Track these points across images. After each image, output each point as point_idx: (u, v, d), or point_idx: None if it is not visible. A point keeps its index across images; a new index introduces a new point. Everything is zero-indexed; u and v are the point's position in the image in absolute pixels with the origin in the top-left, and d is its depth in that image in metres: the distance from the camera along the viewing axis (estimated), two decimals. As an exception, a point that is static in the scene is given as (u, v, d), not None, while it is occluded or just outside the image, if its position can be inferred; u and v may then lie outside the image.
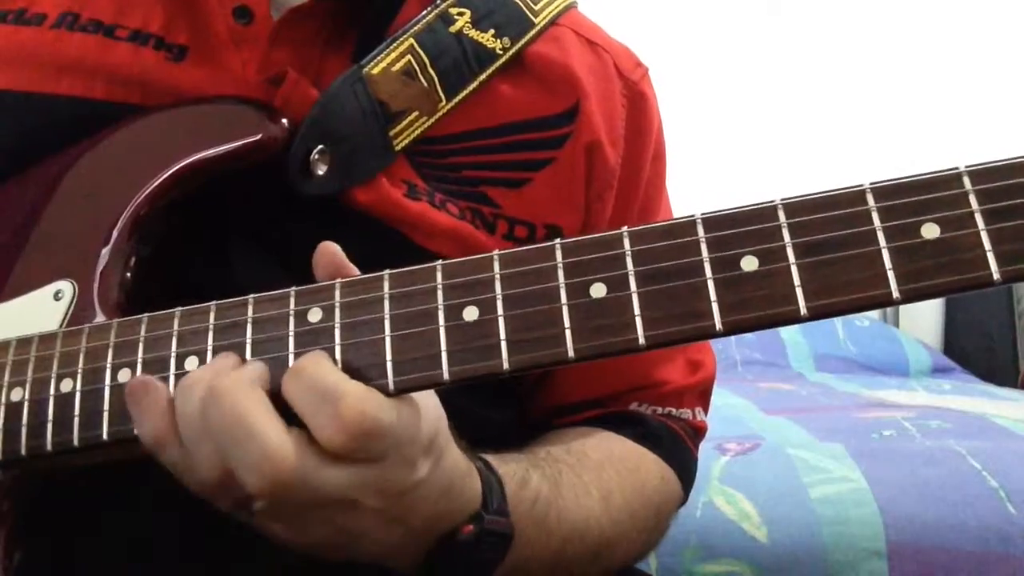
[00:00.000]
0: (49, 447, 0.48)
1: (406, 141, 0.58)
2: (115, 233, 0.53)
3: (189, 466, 0.43)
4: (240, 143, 0.54)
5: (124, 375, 0.47)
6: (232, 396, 0.41)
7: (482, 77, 0.61)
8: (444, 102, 0.60)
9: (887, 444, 1.42)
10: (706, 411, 0.72)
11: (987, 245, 0.37)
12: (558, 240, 0.42)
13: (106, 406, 0.47)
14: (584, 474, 0.59)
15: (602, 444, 0.64)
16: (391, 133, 0.58)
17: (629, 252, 0.41)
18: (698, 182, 2.21)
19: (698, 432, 0.71)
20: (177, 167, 0.54)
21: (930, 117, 2.77)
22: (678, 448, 0.69)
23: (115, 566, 0.55)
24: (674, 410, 0.69)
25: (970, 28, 2.90)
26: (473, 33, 0.61)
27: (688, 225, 0.40)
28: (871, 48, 2.99)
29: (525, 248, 0.43)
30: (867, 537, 1.15)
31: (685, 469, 0.70)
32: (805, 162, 2.74)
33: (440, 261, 0.44)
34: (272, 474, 0.40)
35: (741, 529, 1.18)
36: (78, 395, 0.47)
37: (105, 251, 0.53)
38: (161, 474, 0.50)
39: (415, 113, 0.59)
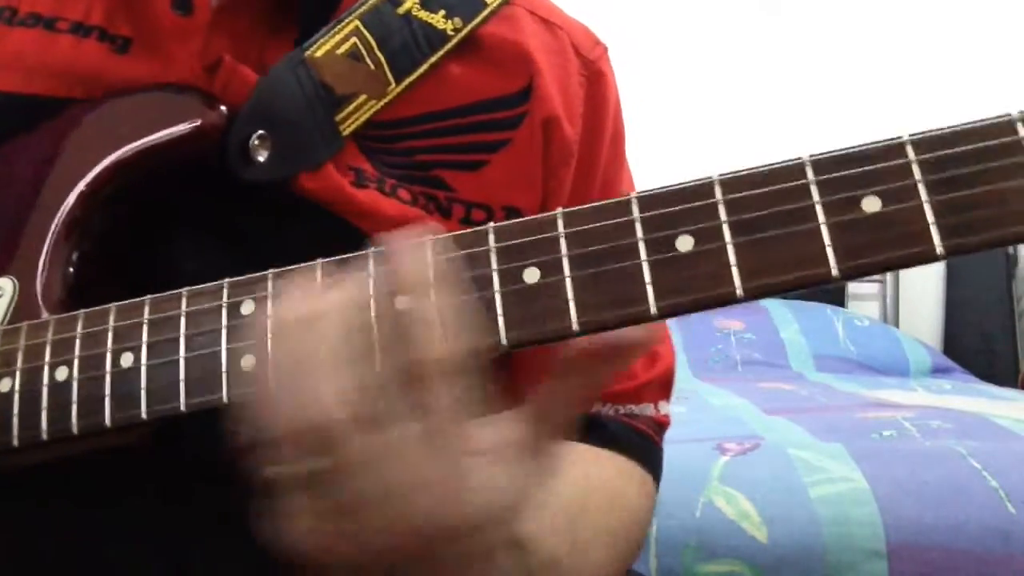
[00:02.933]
0: None
1: (354, 126, 0.57)
2: (54, 228, 0.52)
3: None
4: (176, 130, 0.53)
5: (62, 373, 0.46)
6: (319, 328, 0.38)
7: (433, 59, 0.59)
8: (394, 85, 0.58)
9: (887, 444, 1.42)
10: (668, 401, 0.69)
11: (930, 218, 0.35)
12: (491, 224, 0.41)
13: (44, 404, 0.46)
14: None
15: (576, 474, 0.59)
16: (337, 118, 0.56)
17: (563, 234, 0.39)
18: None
19: (662, 426, 0.69)
20: (113, 158, 0.53)
21: (930, 117, 2.77)
22: (647, 448, 0.66)
23: (69, 570, 0.54)
24: (634, 407, 0.66)
25: (968, 26, 2.90)
26: (422, 14, 0.60)
27: (623, 204, 0.39)
28: (869, 44, 3.00)
29: (458, 233, 0.41)
30: (867, 537, 1.15)
31: (657, 467, 0.68)
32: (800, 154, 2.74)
33: (372, 248, 0.42)
34: (312, 420, 0.36)
35: (741, 529, 1.18)
36: (17, 394, 0.47)
37: (45, 247, 0.52)
38: (116, 472, 0.49)
39: (363, 97, 0.57)
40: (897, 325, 2.93)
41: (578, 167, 0.64)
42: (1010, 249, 2.79)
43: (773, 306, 2.73)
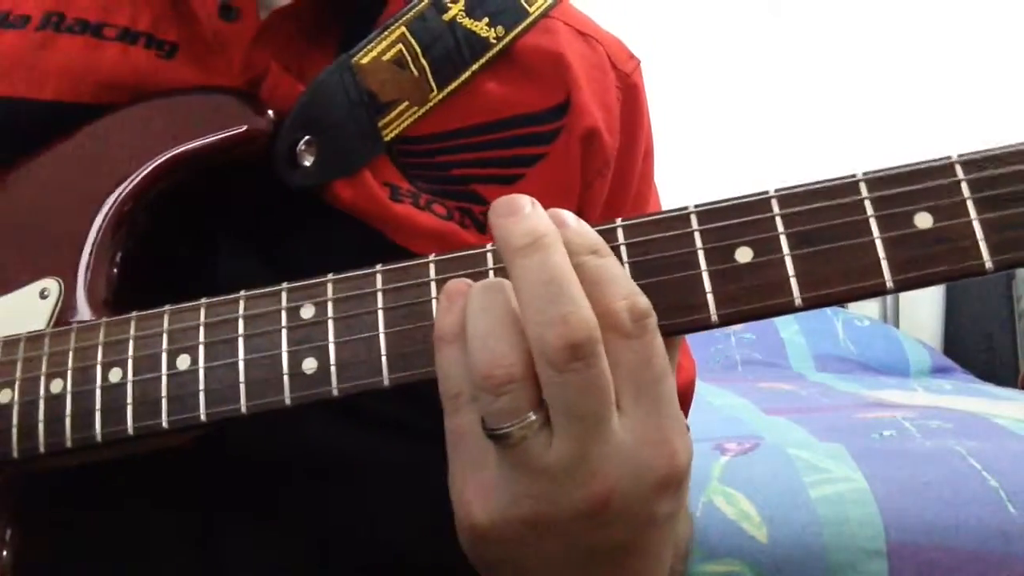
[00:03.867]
0: (42, 449, 0.47)
1: (395, 132, 0.57)
2: (100, 229, 0.53)
3: (464, 363, 0.39)
4: (225, 134, 0.53)
5: (115, 375, 0.46)
6: (557, 254, 0.38)
7: (474, 67, 0.60)
8: (435, 92, 0.59)
9: (887, 444, 1.42)
10: (686, 414, 0.69)
11: (979, 234, 0.37)
12: None
13: (98, 406, 0.46)
14: None
15: None
16: (380, 123, 0.57)
17: (623, 244, 0.41)
18: (700, 181, 2.22)
19: None
20: (161, 160, 0.53)
21: (931, 117, 2.77)
22: None
23: (108, 567, 0.54)
24: None
25: (971, 26, 2.90)
26: (467, 22, 0.60)
27: (682, 217, 0.41)
28: (872, 46, 2.99)
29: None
30: (867, 537, 1.15)
31: None
32: (807, 162, 2.75)
33: (434, 256, 0.43)
34: (578, 332, 0.36)
35: (741, 529, 1.18)
36: (69, 396, 0.47)
37: (90, 247, 0.52)
38: (156, 473, 0.50)
39: (405, 103, 0.57)
40: (897, 325, 2.93)
41: (613, 180, 0.64)
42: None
43: (773, 306, 2.72)
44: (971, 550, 1.12)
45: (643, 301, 0.38)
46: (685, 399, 0.70)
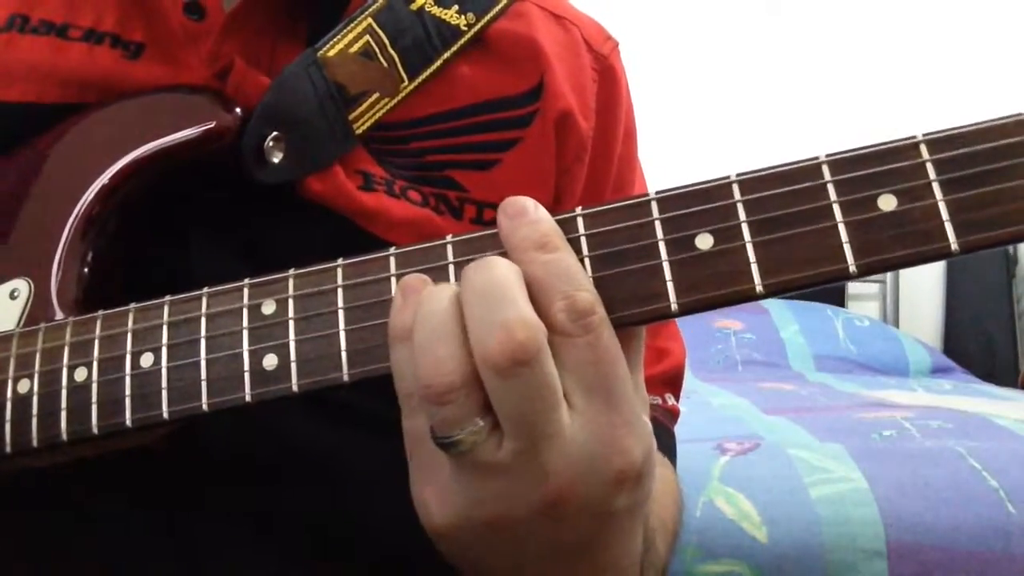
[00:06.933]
0: (8, 449, 0.47)
1: (367, 124, 0.57)
2: (69, 229, 0.52)
3: (412, 367, 0.39)
4: (191, 132, 0.53)
5: (81, 375, 0.46)
6: (501, 265, 0.38)
7: (446, 55, 0.59)
8: (407, 82, 0.58)
9: (887, 444, 1.42)
10: (677, 397, 0.70)
11: (945, 216, 0.36)
12: None
13: (63, 406, 0.46)
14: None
15: None
16: (351, 117, 0.56)
17: (584, 236, 0.40)
18: (697, 172, 2.22)
19: (673, 415, 0.70)
20: (128, 160, 0.53)
21: (928, 116, 2.77)
22: (663, 434, 0.66)
23: (82, 567, 0.54)
24: None
25: (969, 25, 2.91)
26: (435, 10, 0.60)
27: (643, 204, 0.40)
28: (869, 44, 3.00)
29: (480, 234, 0.41)
30: (867, 537, 1.15)
31: (673, 454, 0.69)
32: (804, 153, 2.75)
33: (393, 249, 0.43)
34: (518, 338, 0.35)
35: (741, 529, 1.18)
36: (35, 396, 0.47)
37: (60, 248, 0.52)
38: (131, 472, 0.49)
39: (375, 95, 0.57)
40: (897, 325, 2.93)
41: (592, 163, 0.64)
42: (1010, 249, 2.80)
43: (773, 306, 2.73)
44: (971, 550, 1.12)
45: (583, 299, 0.37)
46: (675, 383, 0.70)
